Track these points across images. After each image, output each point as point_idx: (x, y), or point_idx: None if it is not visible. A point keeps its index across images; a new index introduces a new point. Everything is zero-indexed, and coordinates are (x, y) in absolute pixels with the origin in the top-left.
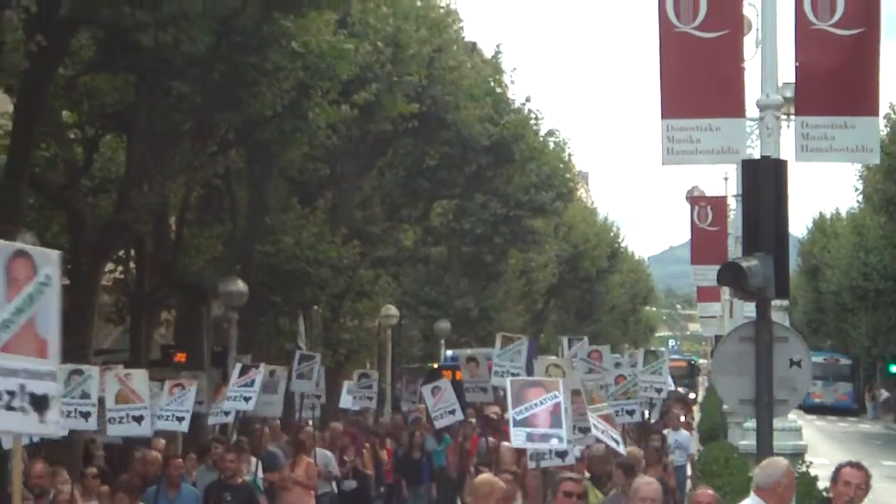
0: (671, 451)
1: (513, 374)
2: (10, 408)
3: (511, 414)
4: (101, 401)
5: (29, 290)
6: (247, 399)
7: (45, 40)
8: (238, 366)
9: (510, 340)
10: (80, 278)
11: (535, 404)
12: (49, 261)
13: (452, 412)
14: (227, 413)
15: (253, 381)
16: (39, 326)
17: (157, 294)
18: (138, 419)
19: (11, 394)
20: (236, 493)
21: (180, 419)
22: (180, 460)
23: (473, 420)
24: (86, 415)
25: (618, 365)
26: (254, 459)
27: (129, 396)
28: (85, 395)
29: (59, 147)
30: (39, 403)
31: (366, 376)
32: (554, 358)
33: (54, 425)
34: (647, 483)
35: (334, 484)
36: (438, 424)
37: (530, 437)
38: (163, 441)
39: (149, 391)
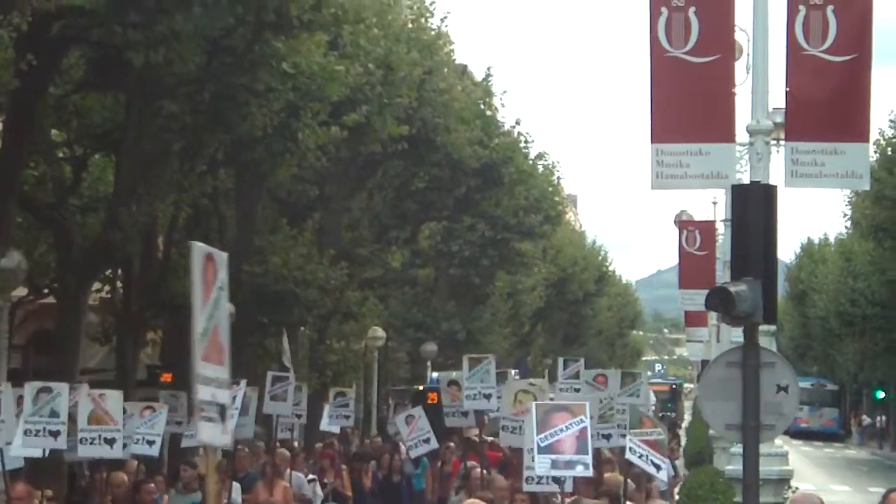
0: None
1: (485, 396)
2: (208, 419)
3: (535, 440)
4: (72, 417)
5: (213, 294)
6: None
7: (36, 59)
8: None
9: (477, 362)
10: (68, 297)
11: (561, 430)
12: (223, 264)
13: (427, 441)
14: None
15: (234, 399)
16: (221, 333)
17: (144, 314)
18: (110, 441)
19: (209, 405)
20: None
21: (150, 443)
22: (153, 485)
23: (453, 444)
24: (55, 434)
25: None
26: (232, 483)
27: (102, 417)
28: (54, 414)
29: (47, 166)
30: (223, 413)
31: (342, 395)
32: (522, 382)
33: (228, 436)
34: None
35: None
36: (414, 454)
37: (555, 465)
38: (135, 463)
39: (122, 413)
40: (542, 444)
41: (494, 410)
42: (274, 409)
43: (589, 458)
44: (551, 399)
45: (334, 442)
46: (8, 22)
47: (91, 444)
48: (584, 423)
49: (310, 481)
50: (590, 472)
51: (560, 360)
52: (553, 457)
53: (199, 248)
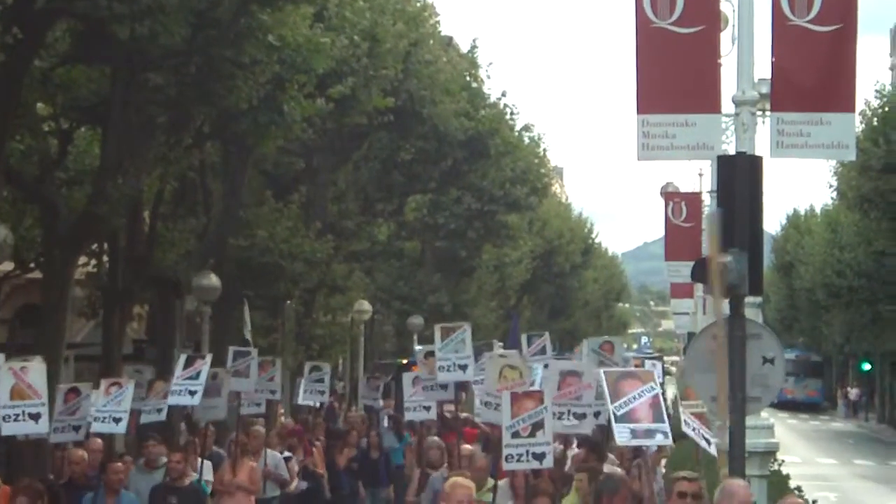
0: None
1: (460, 367)
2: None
3: (611, 409)
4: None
5: None
6: (192, 393)
7: (21, 32)
8: (182, 357)
9: (450, 331)
10: (54, 272)
11: (634, 398)
12: None
13: (427, 409)
14: (159, 410)
15: (199, 374)
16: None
17: (130, 288)
18: (35, 416)
19: None
20: (183, 496)
21: (117, 420)
22: (120, 464)
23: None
24: None
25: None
26: (200, 460)
27: (24, 392)
28: None
29: (33, 139)
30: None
31: (317, 369)
32: (506, 357)
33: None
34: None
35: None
36: (408, 416)
37: (634, 434)
38: (99, 441)
39: (46, 385)
40: (619, 413)
41: (473, 382)
42: (237, 386)
43: (667, 427)
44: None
45: (308, 418)
46: None
47: (15, 420)
48: (656, 389)
49: (286, 459)
50: (669, 441)
51: (524, 337)
52: (632, 426)
53: None
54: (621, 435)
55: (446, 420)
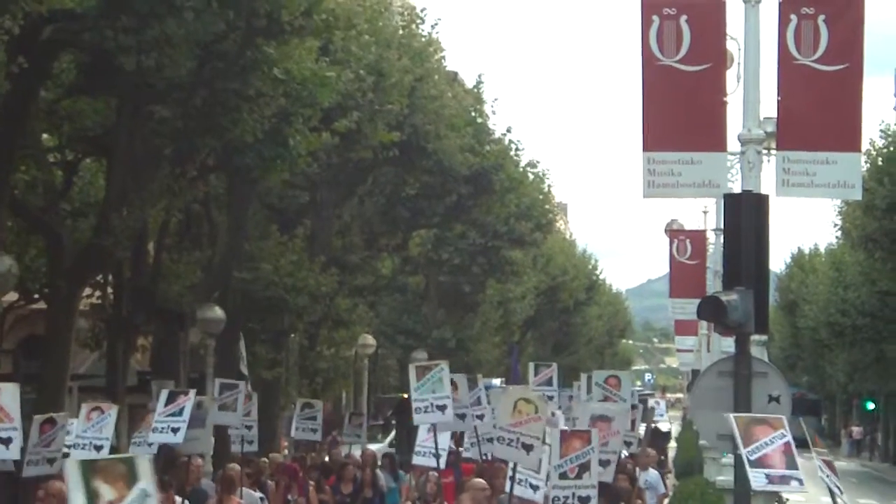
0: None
1: (438, 408)
2: None
3: (744, 454)
4: None
5: None
6: (175, 430)
7: (27, 62)
8: (164, 392)
9: (426, 370)
10: (58, 303)
11: (766, 443)
12: None
13: (440, 456)
14: (150, 445)
15: (182, 410)
16: None
17: (134, 319)
18: (5, 441)
19: None
20: None
21: (98, 447)
22: None
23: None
24: None
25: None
26: (179, 499)
27: None
28: None
29: (38, 170)
30: None
31: (309, 406)
32: (522, 389)
33: None
34: None
35: None
36: (415, 461)
37: (770, 479)
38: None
39: (20, 409)
40: (752, 458)
41: (451, 422)
42: (222, 420)
43: (801, 474)
44: (553, 413)
45: (305, 456)
46: (0, 25)
47: None
48: (787, 437)
49: (261, 499)
50: (804, 488)
51: (531, 366)
52: (767, 471)
53: None
54: (757, 480)
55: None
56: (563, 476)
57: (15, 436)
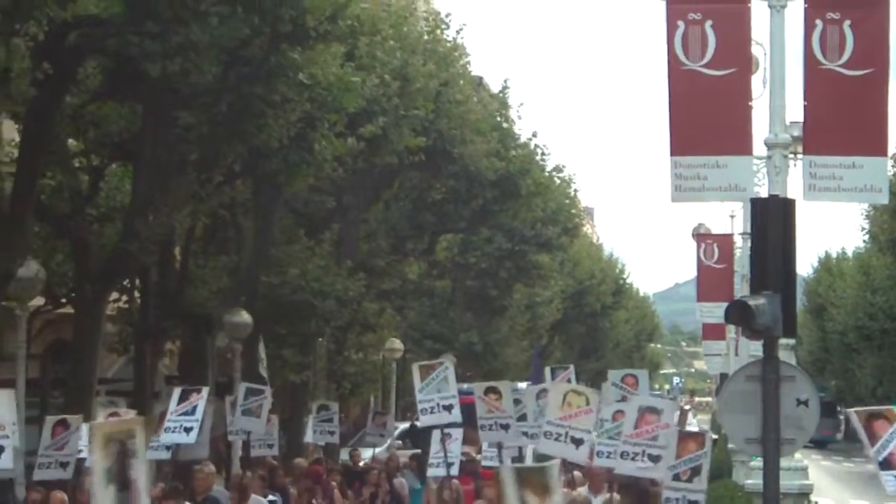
0: None
1: (445, 408)
2: None
3: (872, 455)
4: None
5: None
6: (188, 430)
7: (53, 68)
8: (177, 391)
9: (431, 369)
10: (85, 307)
11: (888, 440)
12: None
13: (451, 465)
14: (168, 448)
15: (194, 409)
16: None
17: (161, 324)
18: None
19: None
20: None
21: None
22: None
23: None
24: None
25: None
26: None
27: None
28: None
29: (64, 175)
30: None
31: (325, 408)
32: (571, 384)
33: None
34: None
35: None
36: (430, 472)
37: None
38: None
39: (14, 416)
40: (881, 459)
41: (458, 423)
42: (246, 425)
43: None
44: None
45: (322, 458)
46: (25, 31)
47: None
48: None
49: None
50: None
51: (547, 370)
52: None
53: None
54: (889, 483)
55: (464, 462)
56: (675, 478)
57: (7, 444)
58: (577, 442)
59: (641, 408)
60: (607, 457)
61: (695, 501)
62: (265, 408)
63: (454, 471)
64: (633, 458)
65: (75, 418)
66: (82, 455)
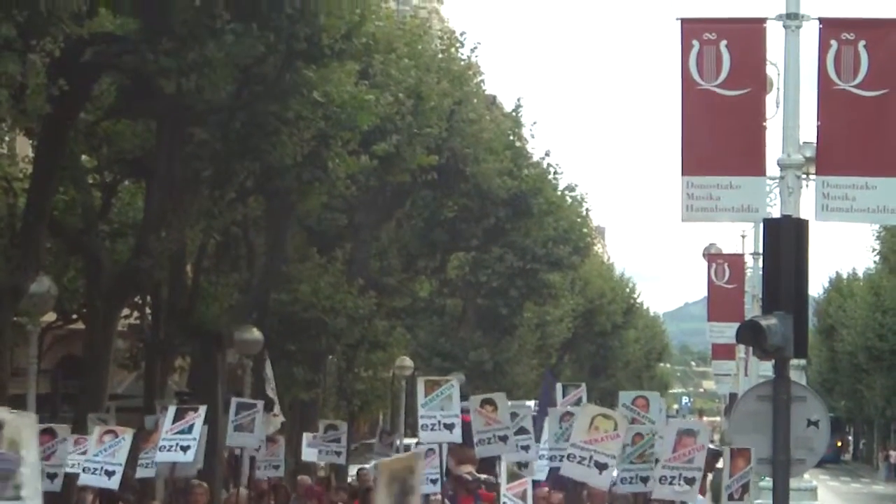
0: None
1: (446, 426)
2: None
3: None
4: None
5: None
6: (184, 448)
7: (68, 85)
8: (171, 409)
9: (436, 385)
10: (96, 323)
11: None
12: None
13: (434, 482)
14: (155, 464)
15: (191, 427)
16: None
17: (171, 341)
18: None
19: None
20: None
21: (110, 473)
22: None
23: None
24: None
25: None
26: None
27: None
28: None
29: (77, 191)
30: None
31: (333, 428)
32: (599, 407)
33: None
34: None
35: None
36: (425, 490)
37: None
38: (89, 497)
39: (37, 444)
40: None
41: (459, 442)
42: (238, 441)
43: None
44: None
45: (329, 477)
46: (40, 48)
47: None
48: None
49: None
50: None
51: (559, 387)
52: None
53: None
54: None
55: (463, 481)
56: (731, 497)
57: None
58: (601, 467)
59: (680, 431)
60: (630, 482)
61: None
62: (258, 423)
63: (437, 487)
64: (670, 483)
65: (62, 427)
66: (73, 470)
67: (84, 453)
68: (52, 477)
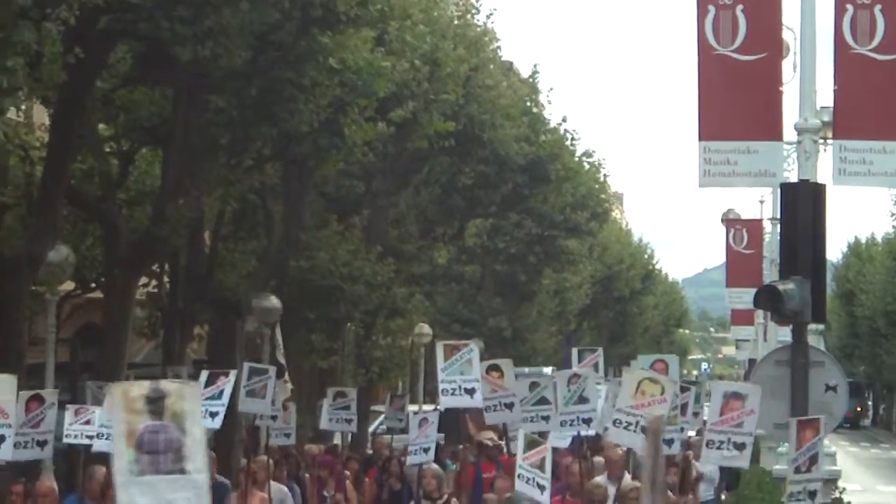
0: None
1: (467, 391)
2: None
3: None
4: None
5: None
6: (213, 415)
7: (83, 53)
8: (204, 374)
9: (455, 350)
10: (115, 291)
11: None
12: None
13: (426, 450)
14: None
15: (221, 393)
16: None
17: (190, 309)
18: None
19: None
20: None
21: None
22: None
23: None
24: None
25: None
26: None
27: None
28: None
29: (94, 160)
30: None
31: (342, 395)
32: (646, 371)
33: None
34: None
35: None
36: (410, 460)
37: None
38: (103, 469)
39: (16, 403)
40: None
41: (480, 407)
42: (250, 407)
43: None
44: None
45: (337, 446)
46: (56, 16)
47: None
48: None
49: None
50: None
51: (574, 352)
52: None
53: None
54: None
55: (485, 448)
56: (797, 470)
57: (9, 434)
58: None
59: (726, 394)
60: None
61: (813, 491)
62: (269, 388)
63: (430, 456)
64: (718, 447)
65: (50, 392)
66: (77, 441)
67: (88, 423)
68: (42, 444)
